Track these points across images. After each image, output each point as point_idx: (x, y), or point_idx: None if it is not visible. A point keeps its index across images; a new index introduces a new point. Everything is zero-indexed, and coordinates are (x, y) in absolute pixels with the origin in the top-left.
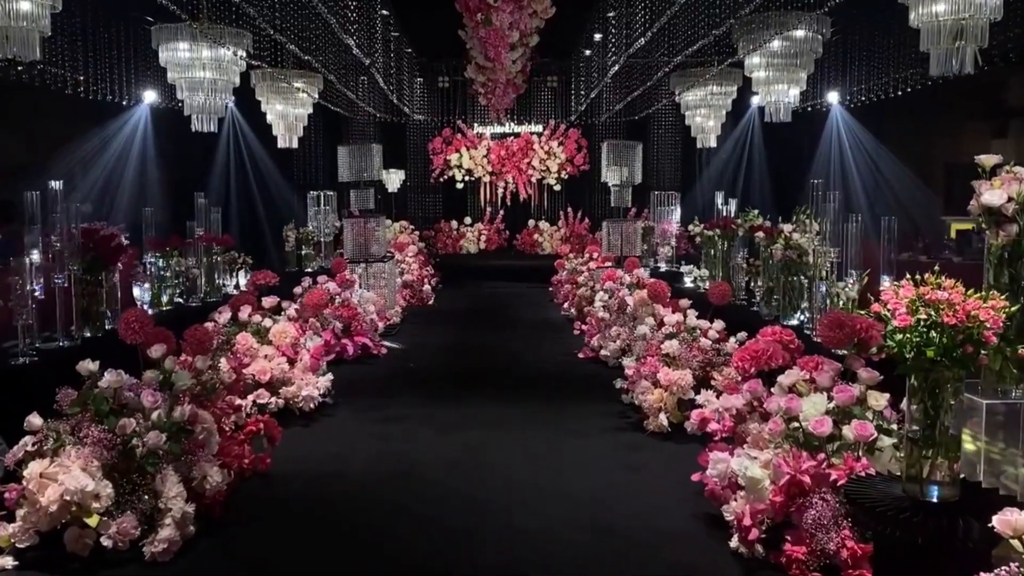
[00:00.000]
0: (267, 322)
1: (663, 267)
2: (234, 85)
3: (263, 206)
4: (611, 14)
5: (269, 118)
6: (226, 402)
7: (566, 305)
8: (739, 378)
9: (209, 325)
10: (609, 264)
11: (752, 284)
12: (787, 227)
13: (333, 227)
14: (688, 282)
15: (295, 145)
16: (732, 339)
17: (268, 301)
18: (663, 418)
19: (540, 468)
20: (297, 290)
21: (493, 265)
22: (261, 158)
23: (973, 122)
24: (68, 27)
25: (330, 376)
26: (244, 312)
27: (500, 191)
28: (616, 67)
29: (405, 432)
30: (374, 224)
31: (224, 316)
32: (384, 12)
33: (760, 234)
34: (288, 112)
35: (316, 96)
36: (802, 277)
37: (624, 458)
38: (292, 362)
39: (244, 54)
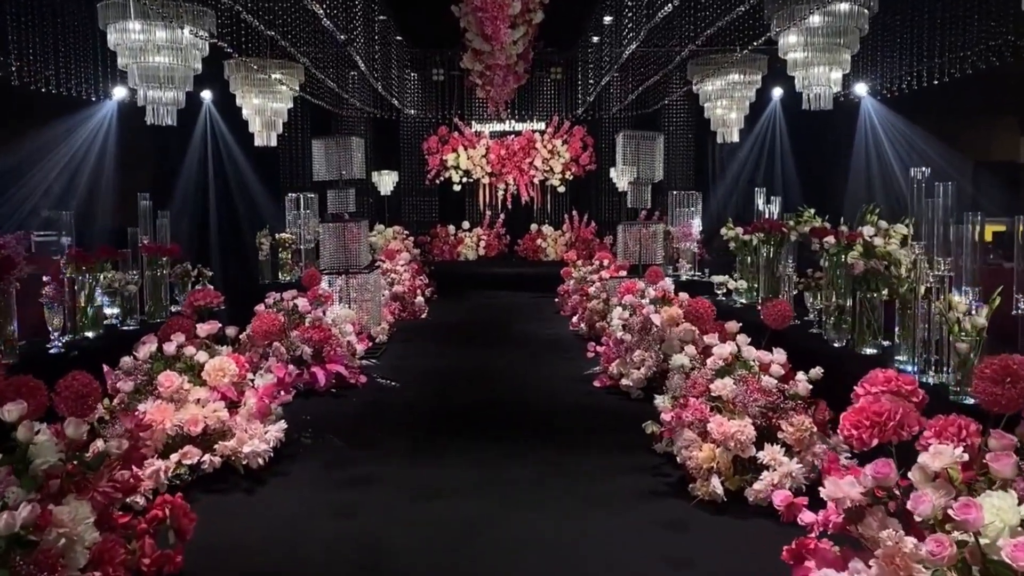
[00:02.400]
0: (202, 355)
1: (684, 276)
2: (195, 72)
3: (239, 211)
4: None
5: (245, 113)
6: (115, 480)
7: (575, 319)
8: (819, 434)
9: (127, 360)
10: (623, 273)
11: (813, 301)
12: (867, 230)
13: (314, 233)
14: (719, 295)
15: (274, 143)
16: (800, 375)
17: (205, 328)
18: (716, 484)
19: (551, 561)
20: (260, 308)
21: (493, 273)
22: (239, 158)
23: (1003, 117)
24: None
25: (283, 424)
26: (171, 344)
27: (500, 193)
28: (634, 45)
29: (376, 501)
30: (356, 228)
31: (147, 348)
32: None
33: (829, 239)
34: (265, 106)
35: (296, 88)
36: (884, 295)
37: (665, 544)
38: (235, 405)
39: (206, 35)
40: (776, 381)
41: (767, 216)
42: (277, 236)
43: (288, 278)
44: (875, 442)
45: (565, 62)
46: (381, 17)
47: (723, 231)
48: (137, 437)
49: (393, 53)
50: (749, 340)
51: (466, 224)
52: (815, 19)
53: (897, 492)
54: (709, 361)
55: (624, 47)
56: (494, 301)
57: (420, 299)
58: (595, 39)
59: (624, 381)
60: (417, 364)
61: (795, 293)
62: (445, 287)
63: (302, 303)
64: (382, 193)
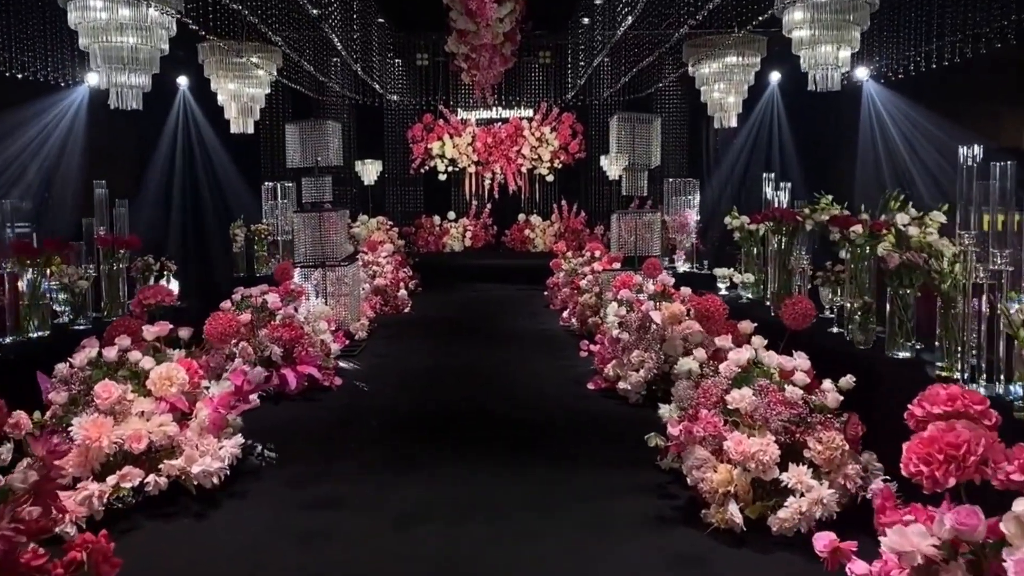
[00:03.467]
0: (147, 361)
1: (681, 267)
2: (162, 52)
3: (215, 201)
4: None
5: (220, 99)
6: (21, 519)
7: (566, 314)
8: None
9: (61, 368)
10: (617, 266)
11: (832, 297)
12: (901, 218)
13: (290, 223)
14: (723, 289)
15: (251, 129)
16: (827, 384)
17: (153, 330)
18: (734, 510)
19: None
20: (225, 304)
21: (480, 265)
22: (215, 146)
23: (1012, 107)
24: None
25: (239, 439)
26: (113, 348)
27: (487, 183)
28: (631, 19)
29: (349, 527)
30: (333, 218)
31: (85, 354)
32: None
33: (856, 229)
34: (241, 91)
35: (274, 73)
36: (916, 291)
37: None
38: (187, 416)
39: (173, 12)
40: (801, 391)
41: (776, 204)
42: (252, 227)
43: (264, 271)
44: (952, 482)
45: (554, 46)
46: None
47: (727, 220)
48: (51, 466)
49: (374, 35)
50: (765, 342)
51: (452, 214)
52: None
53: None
54: (723, 367)
55: (619, 26)
56: (481, 294)
57: (403, 292)
58: (586, 20)
59: (621, 384)
60: (398, 364)
61: (808, 288)
62: (430, 280)
63: (272, 299)
64: (365, 183)
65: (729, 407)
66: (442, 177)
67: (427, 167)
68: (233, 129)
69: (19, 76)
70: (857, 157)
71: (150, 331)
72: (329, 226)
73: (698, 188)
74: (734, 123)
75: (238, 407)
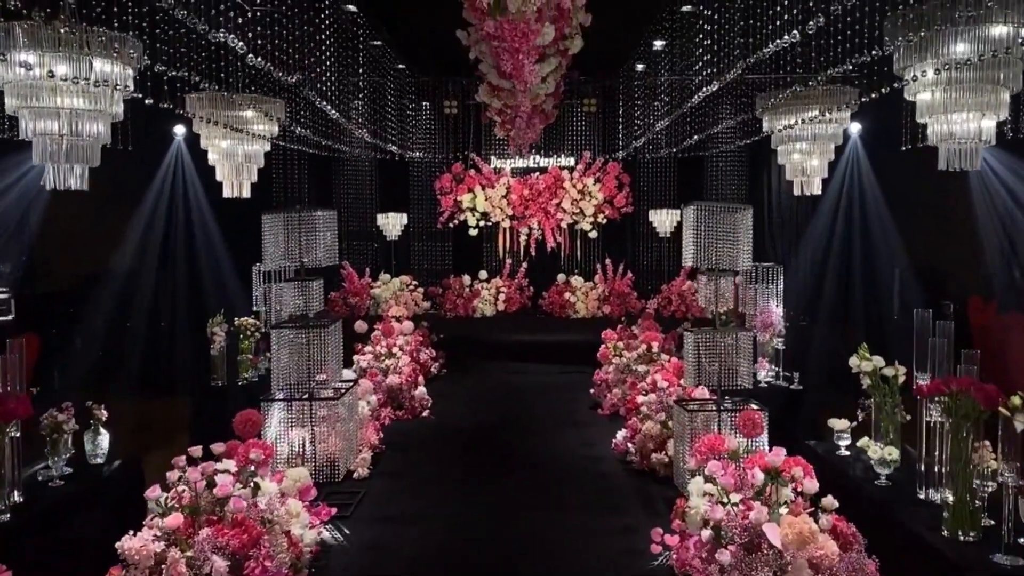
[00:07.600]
0: None
1: (764, 378)
2: (115, 118)
3: (207, 287)
4: (686, 7)
5: (211, 158)
6: None
7: (620, 437)
8: None
9: None
10: (680, 388)
11: None
12: None
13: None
14: (842, 448)
15: (246, 194)
16: None
17: None
18: None
19: None
20: (156, 497)
21: (514, 341)
22: (208, 214)
23: None
24: None
25: None
26: None
27: (523, 239)
28: (716, 84)
29: None
30: (326, 333)
31: None
32: (351, 8)
33: None
34: (235, 150)
35: (275, 129)
36: None
37: None
38: None
39: (131, 73)
40: None
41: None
42: (237, 322)
43: (249, 377)
44: None
45: (600, 91)
46: (375, 43)
47: (854, 361)
48: None
49: (390, 84)
50: None
51: (483, 274)
52: (959, 48)
53: None
54: None
55: (696, 91)
56: (515, 379)
57: (421, 390)
58: (640, 67)
59: None
60: (398, 545)
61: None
62: (457, 354)
63: (223, 479)
64: (388, 238)
65: None
66: (473, 232)
67: (456, 221)
68: (226, 193)
69: None
70: (979, 235)
71: None
72: (318, 345)
73: (782, 276)
74: (817, 190)
75: None
